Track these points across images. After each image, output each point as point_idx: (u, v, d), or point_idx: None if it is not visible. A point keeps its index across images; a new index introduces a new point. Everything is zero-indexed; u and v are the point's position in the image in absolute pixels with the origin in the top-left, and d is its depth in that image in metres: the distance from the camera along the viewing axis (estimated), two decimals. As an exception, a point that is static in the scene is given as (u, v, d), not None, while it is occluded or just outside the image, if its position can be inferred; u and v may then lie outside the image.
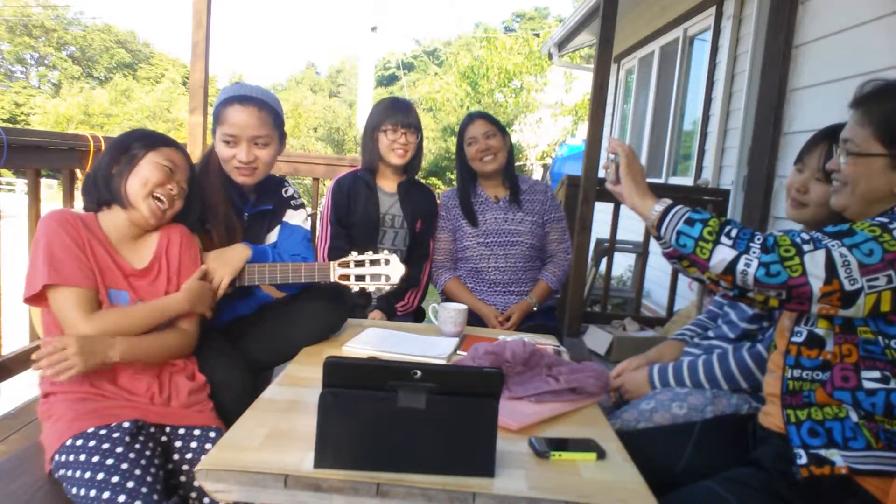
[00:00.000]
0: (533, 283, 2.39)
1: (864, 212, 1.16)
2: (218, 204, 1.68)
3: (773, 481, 1.13)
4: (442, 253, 2.43)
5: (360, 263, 1.67)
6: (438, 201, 2.49)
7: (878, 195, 1.14)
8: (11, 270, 2.47)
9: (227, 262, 1.58)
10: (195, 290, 1.46)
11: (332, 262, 1.66)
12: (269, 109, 1.73)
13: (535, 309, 2.33)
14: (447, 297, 2.42)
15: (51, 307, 1.30)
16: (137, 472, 1.13)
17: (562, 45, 7.97)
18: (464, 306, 1.81)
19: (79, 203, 2.22)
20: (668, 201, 1.22)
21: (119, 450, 1.16)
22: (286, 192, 1.89)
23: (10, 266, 2.55)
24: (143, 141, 1.44)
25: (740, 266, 1.06)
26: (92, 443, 1.17)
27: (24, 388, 2.39)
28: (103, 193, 1.40)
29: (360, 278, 1.66)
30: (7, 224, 2.80)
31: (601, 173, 3.41)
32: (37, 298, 1.31)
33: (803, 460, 1.09)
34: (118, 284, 1.37)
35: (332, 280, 1.66)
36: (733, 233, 1.10)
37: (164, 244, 1.48)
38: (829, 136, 1.39)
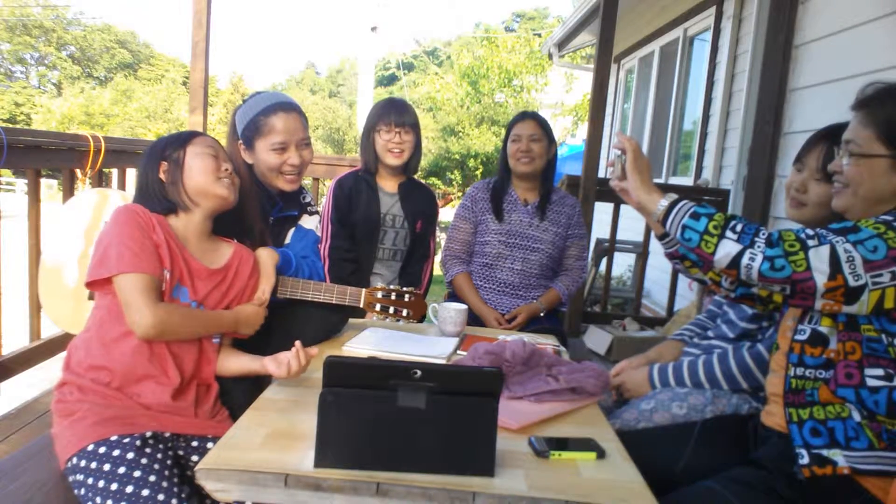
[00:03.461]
0: (541, 290, 2.39)
1: (867, 213, 1.16)
2: (255, 222, 1.69)
3: (774, 481, 1.13)
4: (458, 243, 2.42)
5: (387, 295, 1.74)
6: (438, 201, 2.49)
7: (880, 196, 1.15)
8: (11, 270, 2.47)
9: (263, 274, 1.58)
10: (247, 314, 1.49)
11: (362, 290, 1.73)
12: (302, 112, 1.80)
13: (541, 314, 2.34)
14: (453, 290, 2.42)
15: (115, 292, 1.30)
16: (153, 479, 1.13)
17: (562, 45, 7.97)
18: (464, 306, 1.81)
19: (79, 203, 2.23)
20: (674, 196, 1.22)
21: (143, 461, 1.16)
22: (304, 198, 1.93)
23: (10, 266, 2.55)
24: (174, 143, 1.45)
25: (745, 260, 1.07)
26: (116, 451, 1.16)
27: (24, 388, 2.40)
28: (166, 203, 1.41)
29: (384, 308, 1.74)
30: (7, 224, 2.81)
31: (602, 173, 3.43)
32: (97, 283, 1.32)
33: (805, 460, 1.09)
34: (183, 280, 1.38)
35: (360, 305, 1.73)
36: (738, 227, 1.10)
37: (237, 259, 1.51)
38: (827, 136, 1.39)
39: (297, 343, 1.33)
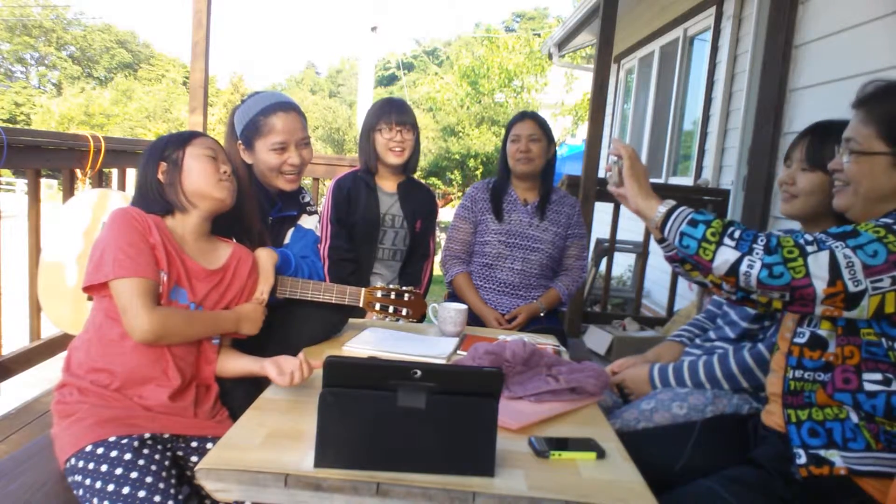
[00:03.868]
0: (542, 290, 2.39)
1: (868, 212, 1.16)
2: (254, 222, 1.69)
3: (772, 480, 1.13)
4: (458, 243, 2.43)
5: (386, 295, 1.74)
6: (438, 200, 2.50)
7: (881, 194, 1.14)
8: (11, 270, 2.47)
9: (262, 275, 1.58)
10: (246, 312, 1.49)
11: (362, 289, 1.73)
12: (301, 112, 1.80)
13: (541, 314, 2.34)
14: (453, 290, 2.42)
15: (112, 296, 1.30)
16: (150, 481, 1.13)
17: (562, 45, 7.97)
18: (464, 306, 1.81)
19: (79, 203, 2.23)
20: (672, 202, 1.22)
21: (140, 462, 1.16)
22: (303, 198, 1.93)
23: (10, 266, 2.55)
24: (174, 143, 1.45)
25: (743, 267, 1.06)
26: (113, 452, 1.16)
27: (24, 388, 2.40)
28: (163, 204, 1.41)
29: (384, 308, 1.74)
30: (7, 224, 2.80)
31: (602, 173, 3.43)
32: (94, 288, 1.32)
33: (802, 460, 1.09)
34: (180, 282, 1.38)
35: (360, 305, 1.73)
36: (736, 234, 1.10)
37: (235, 259, 1.50)
38: (811, 131, 1.42)
39: (302, 355, 1.32)
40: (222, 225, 1.53)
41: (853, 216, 1.19)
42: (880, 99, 1.15)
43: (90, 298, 1.40)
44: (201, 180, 1.41)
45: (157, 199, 1.41)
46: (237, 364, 1.45)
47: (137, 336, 1.27)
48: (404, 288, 1.77)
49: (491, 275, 2.39)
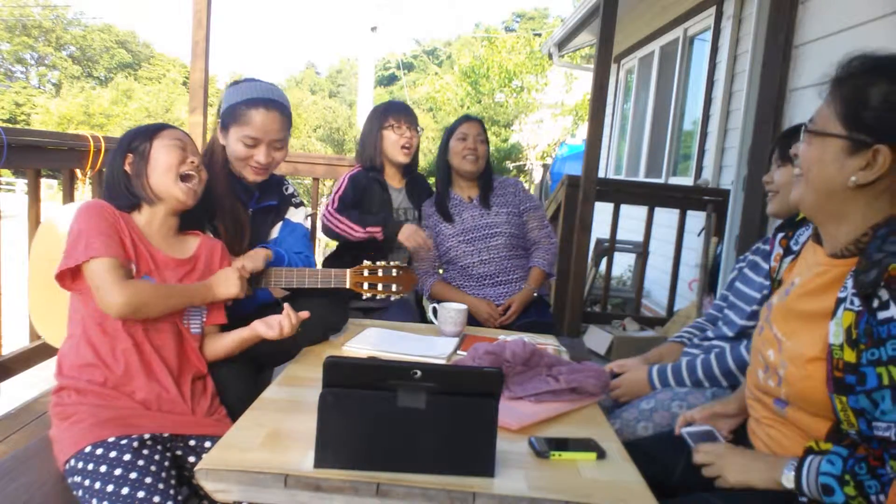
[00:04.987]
0: (519, 271, 2.41)
1: (820, 208, 1.04)
2: (224, 196, 1.68)
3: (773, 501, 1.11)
4: (424, 261, 2.46)
5: (373, 272, 1.71)
6: None
7: (830, 186, 1.00)
8: (11, 271, 2.47)
9: (247, 255, 1.61)
10: (218, 278, 1.47)
11: (347, 270, 1.71)
12: (287, 113, 1.76)
13: (535, 295, 2.35)
14: (437, 301, 2.44)
15: (85, 280, 1.31)
16: (149, 481, 1.13)
17: (562, 45, 7.97)
18: (464, 306, 1.82)
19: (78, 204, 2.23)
20: (790, 477, 1.01)
21: (139, 462, 1.16)
22: (286, 189, 1.91)
23: (10, 266, 2.55)
24: (142, 134, 1.45)
25: None
26: (112, 453, 1.16)
27: (24, 388, 2.40)
28: (129, 198, 1.42)
29: (372, 286, 1.72)
30: (7, 224, 2.80)
31: (602, 173, 3.42)
32: (67, 280, 1.32)
33: (805, 498, 1.06)
34: (150, 273, 1.38)
35: (347, 286, 1.70)
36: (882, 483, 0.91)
37: (203, 250, 1.50)
38: (783, 133, 1.53)
39: (286, 305, 1.35)
40: (195, 214, 1.52)
41: (806, 212, 1.07)
42: (852, 76, 1.03)
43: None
44: (163, 178, 1.40)
45: (123, 193, 1.41)
46: (227, 339, 1.46)
47: (114, 311, 1.27)
48: (392, 264, 1.74)
49: (467, 274, 2.41)
